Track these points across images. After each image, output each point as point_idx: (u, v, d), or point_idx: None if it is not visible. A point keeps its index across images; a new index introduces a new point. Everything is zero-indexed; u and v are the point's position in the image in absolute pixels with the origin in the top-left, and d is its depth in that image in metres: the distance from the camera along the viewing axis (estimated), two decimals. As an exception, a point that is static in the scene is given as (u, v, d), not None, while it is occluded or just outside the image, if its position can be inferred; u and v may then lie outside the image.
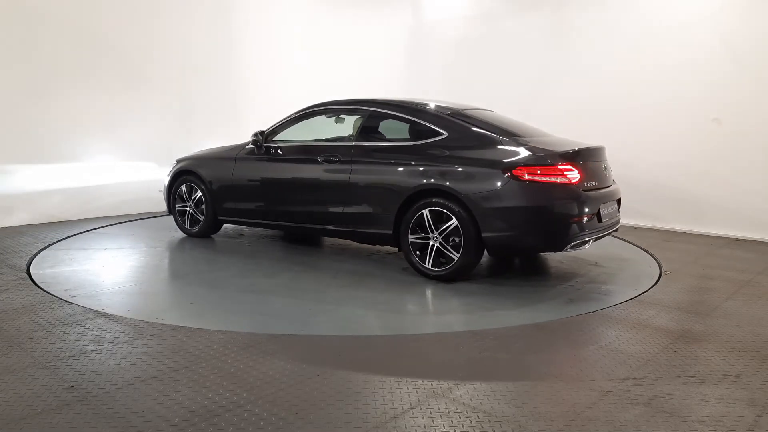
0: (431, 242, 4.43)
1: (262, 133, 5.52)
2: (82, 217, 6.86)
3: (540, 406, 2.48)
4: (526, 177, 4.13)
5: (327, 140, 5.39)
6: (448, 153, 4.48)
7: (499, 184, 4.19)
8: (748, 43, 6.31)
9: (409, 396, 2.57)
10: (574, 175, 4.21)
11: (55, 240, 5.70)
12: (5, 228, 6.21)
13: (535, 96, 8.12)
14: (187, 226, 6.05)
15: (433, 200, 4.40)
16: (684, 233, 6.75)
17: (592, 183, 4.42)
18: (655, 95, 6.99)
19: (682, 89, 6.77)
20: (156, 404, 2.43)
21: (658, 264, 5.14)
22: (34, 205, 6.55)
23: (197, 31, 7.89)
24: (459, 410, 2.43)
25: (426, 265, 4.48)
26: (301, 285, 4.36)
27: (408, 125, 4.89)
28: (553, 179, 4.16)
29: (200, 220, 5.93)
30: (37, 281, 4.30)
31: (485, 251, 4.45)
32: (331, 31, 9.28)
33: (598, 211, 4.36)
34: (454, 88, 8.83)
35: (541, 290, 4.34)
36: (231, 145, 5.91)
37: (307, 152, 5.26)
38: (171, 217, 6.26)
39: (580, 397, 2.56)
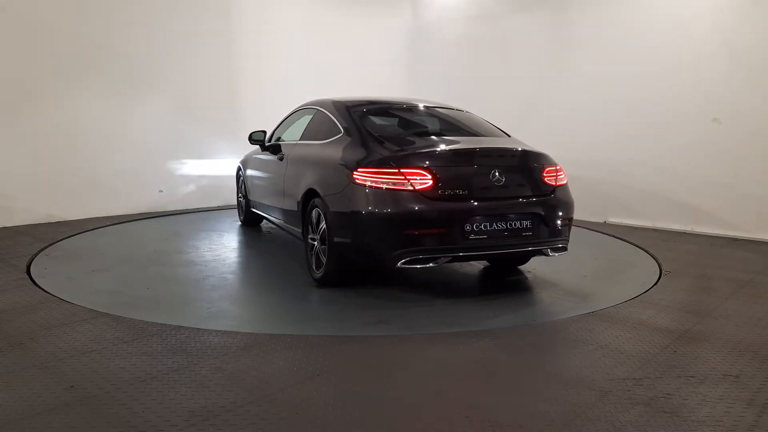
0: (315, 244, 4.27)
1: (263, 132, 5.86)
2: (83, 217, 6.86)
3: (540, 406, 2.48)
4: (358, 180, 3.79)
5: (287, 140, 5.50)
6: (332, 153, 4.28)
7: (342, 186, 3.92)
8: (748, 44, 6.31)
9: (409, 396, 2.57)
10: (420, 181, 3.68)
11: (56, 240, 5.70)
12: (5, 228, 6.20)
13: (534, 96, 8.13)
14: (240, 215, 6.96)
15: (316, 201, 4.25)
16: (684, 233, 6.75)
17: (458, 191, 3.77)
18: (654, 95, 6.99)
19: (682, 89, 6.77)
20: (156, 404, 2.42)
21: (658, 264, 5.14)
22: (34, 203, 6.56)
23: (199, 33, 7.89)
24: (459, 410, 2.43)
25: (313, 267, 4.33)
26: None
27: (332, 124, 4.67)
28: (383, 184, 3.69)
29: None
30: (37, 281, 4.30)
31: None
32: (332, 32, 9.28)
33: (460, 226, 3.73)
34: (454, 88, 8.84)
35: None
36: None
37: (277, 151, 5.45)
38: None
39: (580, 397, 2.55)
